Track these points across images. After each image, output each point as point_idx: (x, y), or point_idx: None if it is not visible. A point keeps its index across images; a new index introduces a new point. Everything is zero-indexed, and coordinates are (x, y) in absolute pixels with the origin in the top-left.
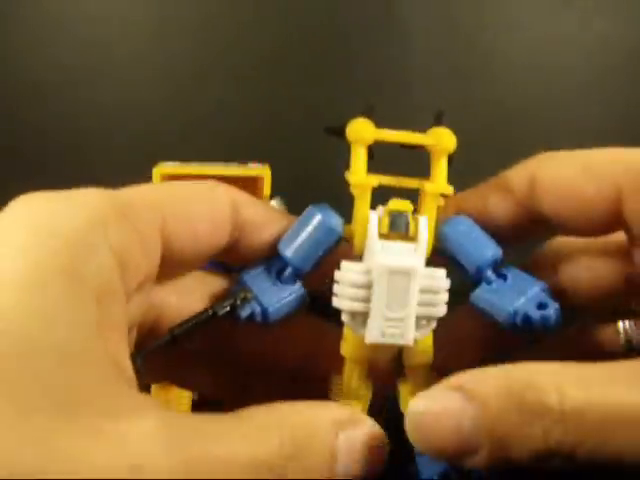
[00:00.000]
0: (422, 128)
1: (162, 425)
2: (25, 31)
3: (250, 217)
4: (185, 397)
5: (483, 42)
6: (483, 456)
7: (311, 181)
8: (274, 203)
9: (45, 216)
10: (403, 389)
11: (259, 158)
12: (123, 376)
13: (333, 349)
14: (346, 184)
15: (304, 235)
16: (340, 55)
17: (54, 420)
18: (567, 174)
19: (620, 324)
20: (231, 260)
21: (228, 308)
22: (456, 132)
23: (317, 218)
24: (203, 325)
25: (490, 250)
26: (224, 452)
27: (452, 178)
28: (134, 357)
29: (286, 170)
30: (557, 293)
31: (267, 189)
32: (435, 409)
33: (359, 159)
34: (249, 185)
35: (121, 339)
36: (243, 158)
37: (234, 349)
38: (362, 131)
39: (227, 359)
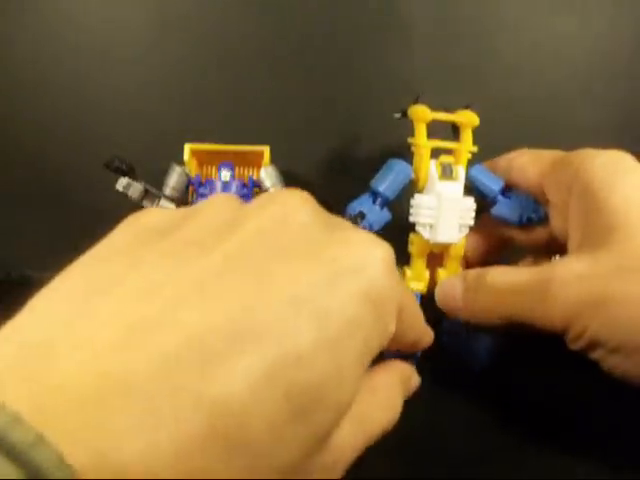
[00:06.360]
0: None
1: None
2: (25, 28)
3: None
4: None
5: (483, 42)
6: (465, 313)
7: (306, 166)
8: (269, 169)
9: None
10: (441, 273)
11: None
12: None
13: None
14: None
15: (391, 177)
16: (340, 54)
17: None
18: (524, 161)
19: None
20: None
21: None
22: None
23: (398, 166)
24: None
25: (498, 183)
26: None
27: None
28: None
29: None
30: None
31: (267, 162)
32: (445, 284)
33: (421, 132)
34: (254, 158)
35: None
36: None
37: None
38: (422, 113)
39: None
